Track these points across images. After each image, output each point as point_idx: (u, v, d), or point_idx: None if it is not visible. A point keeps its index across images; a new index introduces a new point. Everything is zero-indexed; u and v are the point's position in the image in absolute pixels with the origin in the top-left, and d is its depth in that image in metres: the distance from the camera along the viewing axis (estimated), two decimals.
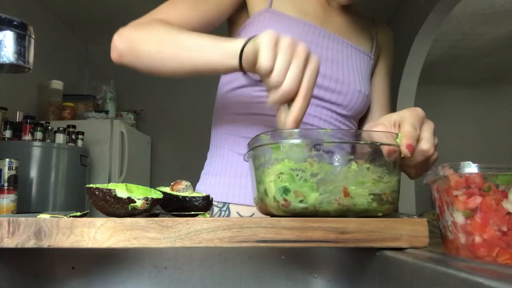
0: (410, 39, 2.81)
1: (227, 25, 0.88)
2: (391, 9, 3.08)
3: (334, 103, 0.84)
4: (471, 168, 0.41)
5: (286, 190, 0.49)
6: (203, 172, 0.90)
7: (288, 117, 0.55)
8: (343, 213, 0.49)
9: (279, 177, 0.49)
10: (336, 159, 0.49)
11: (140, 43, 0.69)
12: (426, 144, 0.53)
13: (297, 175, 0.49)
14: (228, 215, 0.81)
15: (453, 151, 4.54)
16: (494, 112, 4.71)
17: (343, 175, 0.49)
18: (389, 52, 0.99)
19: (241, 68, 0.59)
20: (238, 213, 0.81)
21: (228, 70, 0.61)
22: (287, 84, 0.53)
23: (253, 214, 0.80)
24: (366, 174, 0.49)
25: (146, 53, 0.68)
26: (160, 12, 0.75)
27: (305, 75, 0.54)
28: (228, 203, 0.81)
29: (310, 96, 0.55)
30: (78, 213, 0.51)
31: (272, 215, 0.51)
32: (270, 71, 0.53)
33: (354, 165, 0.49)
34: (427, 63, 3.30)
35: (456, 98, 4.74)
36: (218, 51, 0.61)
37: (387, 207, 0.51)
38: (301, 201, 0.49)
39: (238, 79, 0.81)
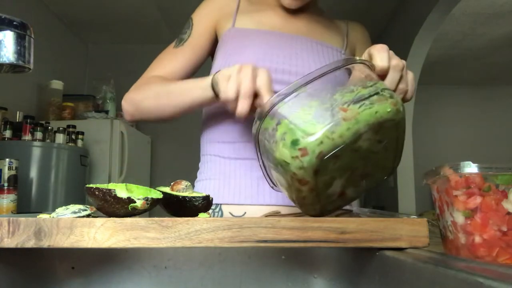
0: (410, 39, 2.81)
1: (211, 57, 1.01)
2: (391, 9, 3.08)
3: None
4: (471, 168, 0.41)
5: (295, 142, 0.50)
6: (196, 180, 0.95)
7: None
8: (358, 127, 0.50)
9: (284, 138, 0.51)
10: (322, 94, 0.53)
11: (141, 102, 0.86)
12: (393, 60, 0.64)
13: (296, 123, 0.51)
14: (221, 216, 0.85)
15: (453, 151, 4.55)
16: (494, 112, 4.72)
17: (331, 101, 0.51)
18: (366, 46, 1.02)
19: (216, 96, 0.73)
20: (230, 213, 0.84)
21: (210, 101, 0.76)
22: (242, 88, 0.65)
23: (245, 212, 0.83)
24: (350, 89, 0.52)
25: (148, 109, 0.86)
26: (151, 71, 0.93)
27: (257, 77, 0.65)
28: (220, 204, 0.85)
29: (271, 90, 0.65)
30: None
31: (301, 182, 0.52)
32: (228, 99, 0.67)
33: (337, 93, 0.52)
34: (427, 63, 3.30)
35: (456, 98, 4.74)
36: (198, 89, 0.76)
37: (392, 101, 0.52)
38: (313, 140, 0.49)
39: None
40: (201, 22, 0.95)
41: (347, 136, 0.49)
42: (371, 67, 0.60)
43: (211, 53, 0.97)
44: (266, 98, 0.64)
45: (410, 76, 0.66)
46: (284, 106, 0.53)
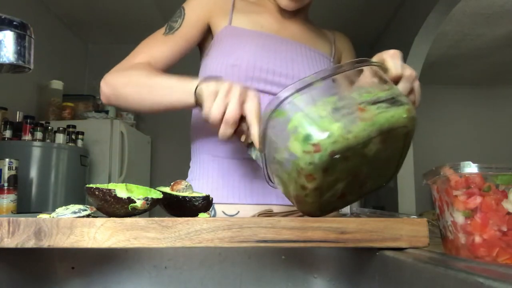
0: (410, 39, 2.81)
1: (199, 49, 0.99)
2: (391, 9, 3.08)
3: None
4: (471, 168, 0.41)
5: (308, 137, 0.49)
6: (187, 180, 0.94)
7: (253, 138, 0.63)
8: (372, 127, 0.49)
9: (296, 132, 0.50)
10: (339, 91, 0.52)
11: (121, 88, 0.81)
12: (408, 70, 0.64)
13: (312, 117, 0.50)
14: (214, 215, 0.84)
15: (453, 151, 4.55)
16: (494, 112, 4.71)
17: (349, 99, 0.50)
18: (351, 55, 1.07)
19: (197, 104, 0.70)
20: (223, 212, 0.84)
21: (190, 107, 0.73)
22: (228, 111, 0.62)
23: (238, 212, 0.84)
24: (367, 90, 0.52)
25: (126, 96, 0.81)
26: (137, 54, 0.89)
27: (245, 103, 0.63)
28: (213, 204, 0.85)
29: (259, 118, 0.62)
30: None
31: (308, 178, 0.51)
32: (211, 120, 0.64)
33: (355, 92, 0.52)
34: (427, 63, 3.30)
35: (456, 98, 4.74)
36: (180, 92, 0.73)
37: (407, 108, 0.51)
38: (328, 137, 0.48)
39: None
40: (193, 13, 0.93)
41: (362, 137, 0.49)
42: (385, 72, 0.60)
43: (199, 43, 0.96)
44: (253, 127, 0.62)
45: (418, 86, 0.66)
46: (299, 98, 0.51)
